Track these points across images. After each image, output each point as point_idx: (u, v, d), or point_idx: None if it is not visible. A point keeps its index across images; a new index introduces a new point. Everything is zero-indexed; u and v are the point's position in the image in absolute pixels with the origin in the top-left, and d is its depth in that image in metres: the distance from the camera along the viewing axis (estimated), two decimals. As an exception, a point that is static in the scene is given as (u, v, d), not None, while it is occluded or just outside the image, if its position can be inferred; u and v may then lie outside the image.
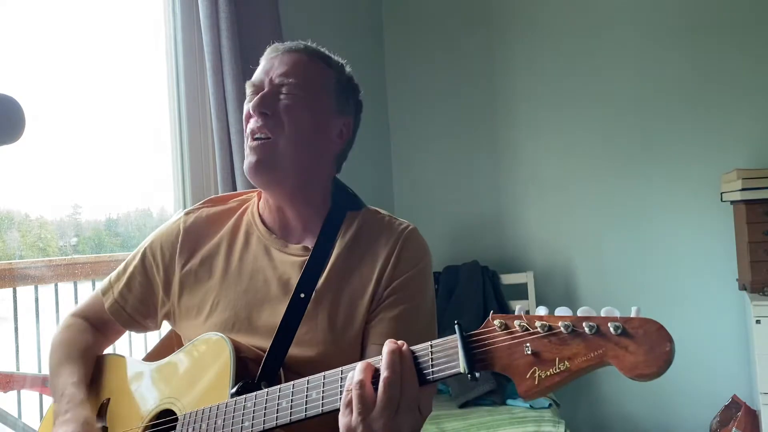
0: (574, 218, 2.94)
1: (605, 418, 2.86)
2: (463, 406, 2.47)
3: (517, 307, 0.80)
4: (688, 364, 2.68)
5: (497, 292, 2.83)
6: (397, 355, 0.84)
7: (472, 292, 2.81)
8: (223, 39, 1.92)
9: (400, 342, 0.86)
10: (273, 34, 2.05)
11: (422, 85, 3.17)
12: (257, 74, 1.16)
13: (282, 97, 1.11)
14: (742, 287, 2.47)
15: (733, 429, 2.46)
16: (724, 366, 2.68)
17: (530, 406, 2.40)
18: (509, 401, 2.47)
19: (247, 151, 1.14)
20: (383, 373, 0.83)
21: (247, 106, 1.14)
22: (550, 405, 2.42)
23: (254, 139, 1.12)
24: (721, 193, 2.54)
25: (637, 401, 2.82)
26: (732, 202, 2.53)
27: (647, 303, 2.84)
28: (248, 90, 1.16)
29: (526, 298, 2.81)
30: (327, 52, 1.19)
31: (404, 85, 3.21)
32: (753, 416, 2.45)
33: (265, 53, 1.19)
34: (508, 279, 2.87)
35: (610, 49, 2.88)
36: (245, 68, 1.92)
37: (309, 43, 1.19)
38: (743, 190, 2.39)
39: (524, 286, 2.84)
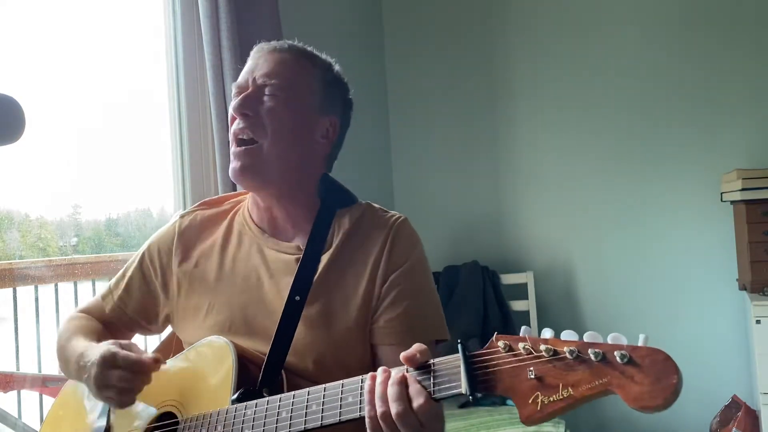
0: (574, 218, 2.93)
1: (605, 418, 2.86)
2: (463, 406, 2.47)
3: (523, 328, 0.78)
4: (688, 364, 2.66)
5: (497, 292, 2.83)
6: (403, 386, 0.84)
7: (472, 292, 2.81)
8: (223, 39, 1.92)
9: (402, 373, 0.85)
10: (273, 34, 2.05)
11: (422, 85, 3.17)
12: (242, 75, 1.16)
13: (265, 98, 1.11)
14: (742, 287, 2.47)
15: (733, 429, 2.46)
16: (724, 366, 2.68)
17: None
18: (509, 401, 2.46)
19: (231, 156, 1.13)
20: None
21: (231, 108, 1.14)
22: (550, 405, 2.42)
23: (237, 143, 1.11)
24: (721, 193, 2.54)
25: (637, 401, 2.81)
26: (732, 202, 2.53)
27: (647, 303, 2.84)
28: (233, 91, 1.15)
29: (526, 298, 2.81)
30: (313, 51, 1.18)
31: (404, 85, 3.21)
32: (753, 416, 2.45)
33: (251, 53, 1.18)
34: (508, 279, 2.87)
35: (610, 49, 2.88)
36: (245, 68, 1.92)
37: (295, 42, 1.18)
38: (743, 190, 2.39)
39: (524, 286, 2.84)
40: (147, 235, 1.31)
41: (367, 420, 0.85)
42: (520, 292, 2.85)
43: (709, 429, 2.62)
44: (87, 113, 2.05)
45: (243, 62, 1.91)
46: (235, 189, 1.95)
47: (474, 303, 2.79)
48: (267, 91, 1.11)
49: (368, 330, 1.11)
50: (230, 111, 1.14)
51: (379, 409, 0.83)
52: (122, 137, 2.13)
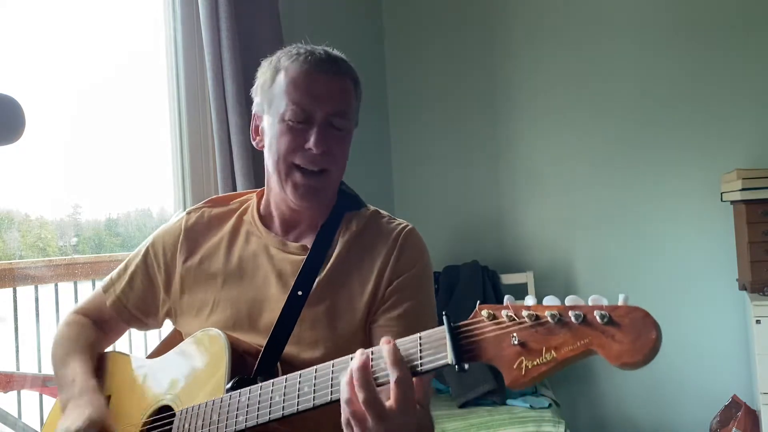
0: (574, 218, 2.94)
1: (605, 418, 2.86)
2: (463, 406, 2.47)
3: (506, 296, 0.79)
4: (689, 363, 2.68)
5: (497, 292, 2.83)
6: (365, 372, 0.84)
7: (472, 293, 2.81)
8: (223, 39, 1.92)
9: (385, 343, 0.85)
10: (273, 34, 2.05)
11: (422, 85, 3.17)
12: (303, 98, 1.10)
13: (335, 132, 1.13)
14: (742, 287, 2.47)
15: (733, 429, 2.46)
16: (724, 366, 2.68)
17: (530, 406, 2.40)
18: (509, 401, 2.47)
19: (298, 177, 1.12)
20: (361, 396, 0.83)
21: (292, 136, 1.11)
22: (550, 405, 2.42)
23: (308, 171, 1.12)
24: (721, 193, 2.54)
25: (637, 401, 2.82)
26: (732, 202, 2.53)
27: (647, 303, 2.82)
28: (293, 114, 1.10)
29: (526, 298, 2.81)
30: (353, 66, 1.18)
31: (404, 85, 3.21)
32: (753, 416, 2.45)
33: (299, 61, 1.13)
34: (508, 279, 2.87)
35: (610, 50, 2.88)
36: (245, 68, 1.92)
37: (339, 54, 1.17)
38: (743, 190, 2.39)
39: (524, 286, 2.84)
40: (147, 235, 1.31)
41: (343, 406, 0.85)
42: (520, 292, 2.85)
43: (709, 429, 2.62)
44: (87, 113, 2.05)
45: (243, 62, 1.92)
46: (235, 188, 1.95)
47: (474, 303, 2.77)
48: (336, 123, 1.13)
49: (367, 329, 1.13)
50: (288, 137, 1.11)
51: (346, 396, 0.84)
52: (122, 137, 2.13)
